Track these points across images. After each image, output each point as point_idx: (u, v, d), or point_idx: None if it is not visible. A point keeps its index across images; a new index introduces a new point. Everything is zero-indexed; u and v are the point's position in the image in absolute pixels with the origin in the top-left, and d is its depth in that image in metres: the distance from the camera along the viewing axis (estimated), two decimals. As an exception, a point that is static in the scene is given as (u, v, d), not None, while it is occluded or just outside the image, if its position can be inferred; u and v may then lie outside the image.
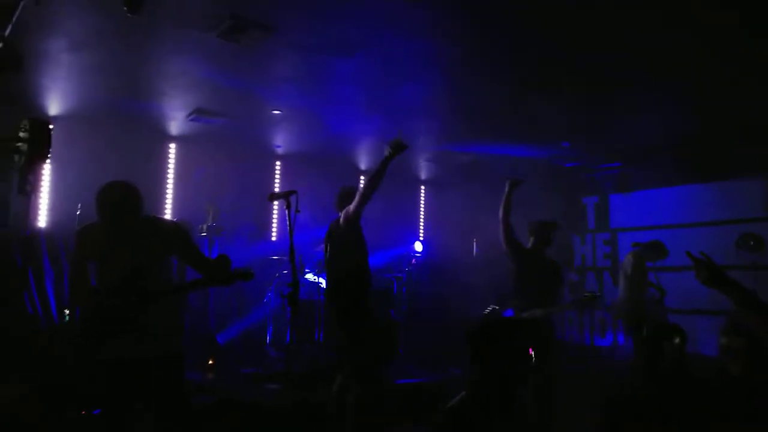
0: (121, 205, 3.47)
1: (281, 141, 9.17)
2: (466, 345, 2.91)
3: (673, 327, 3.52)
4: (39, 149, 3.17)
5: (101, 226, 3.58)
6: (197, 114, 7.63)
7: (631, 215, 10.01)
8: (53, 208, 7.84)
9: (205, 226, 8.36)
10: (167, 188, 8.84)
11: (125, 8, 4.67)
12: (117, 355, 3.37)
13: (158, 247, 3.58)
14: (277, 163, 10.01)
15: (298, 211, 4.10)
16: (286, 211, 4.08)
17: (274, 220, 9.98)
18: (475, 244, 10.02)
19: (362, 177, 10.95)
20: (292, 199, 4.11)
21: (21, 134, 3.22)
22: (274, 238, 9.87)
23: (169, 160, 8.87)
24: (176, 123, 8.16)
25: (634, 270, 7.46)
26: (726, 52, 5.33)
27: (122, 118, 7.82)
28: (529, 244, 5.66)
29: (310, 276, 8.47)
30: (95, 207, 3.51)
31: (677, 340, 3.40)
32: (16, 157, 3.21)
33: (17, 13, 4.51)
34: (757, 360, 2.90)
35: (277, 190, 9.82)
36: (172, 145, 8.89)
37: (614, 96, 6.62)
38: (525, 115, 7.22)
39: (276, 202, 9.70)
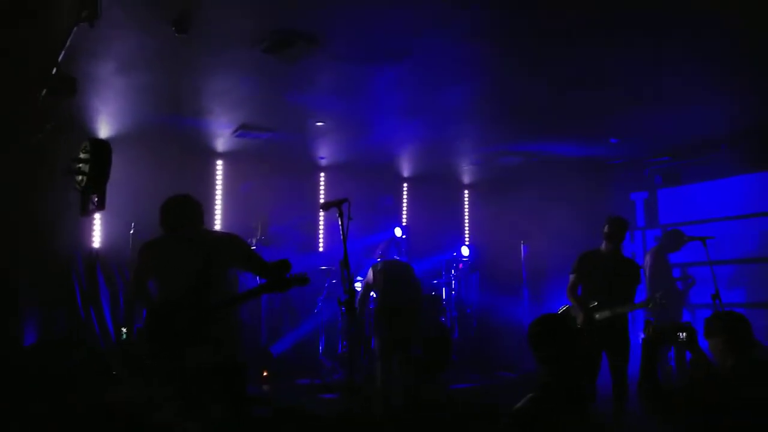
0: (185, 216, 3.56)
1: (325, 152, 9.24)
2: (530, 345, 2.84)
3: (674, 326, 3.38)
4: (100, 169, 3.25)
5: (164, 241, 3.67)
6: (243, 129, 7.74)
7: (681, 210, 9.73)
8: (105, 228, 8.03)
9: (254, 239, 8.45)
10: (216, 204, 8.99)
11: (173, 28, 4.78)
12: (183, 365, 3.42)
13: (221, 258, 3.65)
14: (321, 174, 10.09)
15: (351, 219, 4.10)
16: (339, 220, 4.09)
17: (321, 231, 10.03)
18: (523, 246, 9.88)
19: (405, 185, 10.97)
20: (344, 207, 4.13)
21: (82, 155, 3.30)
22: (321, 249, 9.93)
23: (217, 176, 9.03)
24: (223, 139, 8.29)
25: (651, 268, 7.34)
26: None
27: (170, 137, 7.97)
28: (604, 244, 5.63)
29: (359, 285, 8.48)
30: (159, 219, 3.61)
31: (683, 337, 3.28)
32: (79, 178, 3.29)
33: (70, 38, 4.65)
34: (739, 354, 3.08)
35: (322, 200, 9.92)
36: (219, 162, 9.04)
37: (661, 89, 6.46)
38: (571, 113, 7.12)
39: (323, 213, 9.90)
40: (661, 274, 7.47)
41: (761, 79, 6.14)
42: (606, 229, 5.60)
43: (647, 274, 7.48)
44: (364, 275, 8.54)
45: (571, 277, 5.68)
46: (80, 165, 3.28)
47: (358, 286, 8.46)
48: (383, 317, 6.43)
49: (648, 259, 7.57)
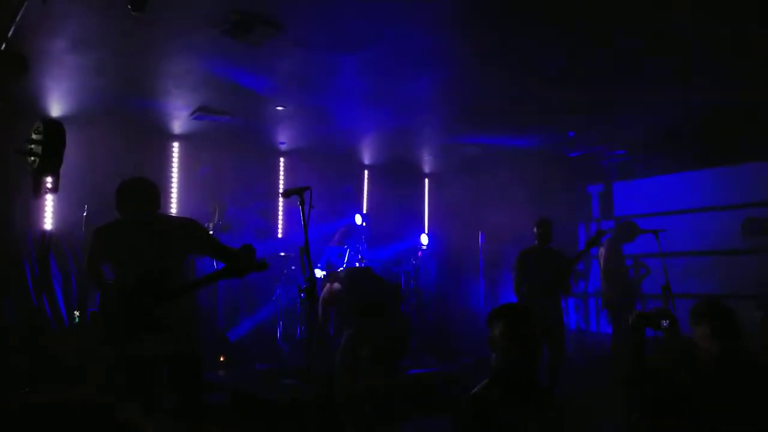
0: (141, 199, 3.50)
1: (285, 137, 9.14)
2: (490, 329, 2.87)
3: (659, 312, 3.49)
4: (53, 151, 3.15)
5: (119, 225, 3.59)
6: (201, 112, 7.59)
7: (635, 203, 9.99)
8: (58, 210, 7.81)
9: (211, 224, 8.33)
10: (171, 187, 8.82)
11: (129, 6, 4.64)
12: (139, 353, 3.37)
13: (179, 243, 3.59)
14: (281, 159, 9.99)
15: (313, 207, 4.07)
16: (300, 207, 4.06)
17: (280, 217, 9.96)
18: (480, 235, 10.01)
19: (366, 171, 10.96)
20: (306, 195, 4.09)
21: (34, 136, 3.20)
22: (280, 235, 9.86)
23: (173, 159, 8.85)
24: (179, 122, 8.11)
25: (605, 259, 7.65)
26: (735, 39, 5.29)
27: (125, 118, 7.77)
28: (537, 243, 6.49)
29: (318, 272, 8.45)
30: (115, 202, 3.53)
31: (666, 324, 3.39)
32: (31, 159, 3.18)
33: (20, 13, 4.47)
34: (726, 341, 3.12)
35: (281, 186, 9.84)
36: (176, 144, 8.86)
37: (618, 84, 6.57)
38: (531, 106, 7.20)
39: (282, 199, 9.83)
40: (615, 264, 7.72)
41: (716, 77, 6.29)
42: (536, 230, 6.44)
43: (601, 264, 7.76)
44: (322, 262, 8.52)
45: (516, 275, 6.42)
46: (32, 146, 3.17)
47: (318, 273, 8.44)
48: (353, 315, 6.35)
49: (602, 250, 7.82)
